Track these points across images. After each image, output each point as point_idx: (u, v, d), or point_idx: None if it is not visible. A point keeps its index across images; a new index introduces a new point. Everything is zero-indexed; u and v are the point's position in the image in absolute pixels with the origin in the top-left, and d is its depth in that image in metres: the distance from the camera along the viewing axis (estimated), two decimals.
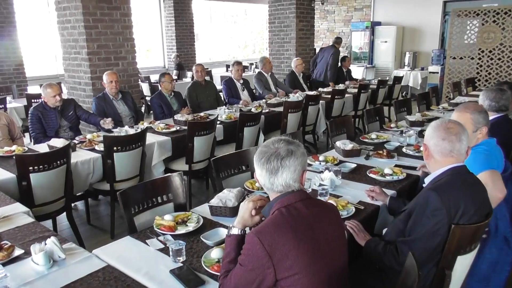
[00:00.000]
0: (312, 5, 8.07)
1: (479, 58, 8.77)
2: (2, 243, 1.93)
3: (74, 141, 3.83)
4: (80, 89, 5.21)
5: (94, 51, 4.97)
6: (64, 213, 3.37)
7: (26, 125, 6.02)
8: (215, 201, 2.31)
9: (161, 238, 2.04)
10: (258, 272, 1.38)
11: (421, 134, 3.85)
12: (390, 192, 2.53)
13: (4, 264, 1.80)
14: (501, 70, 8.56)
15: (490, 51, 8.59)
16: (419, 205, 1.79)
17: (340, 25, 11.97)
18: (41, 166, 2.97)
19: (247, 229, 1.66)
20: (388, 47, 10.78)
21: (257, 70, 10.96)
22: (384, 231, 2.17)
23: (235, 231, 1.62)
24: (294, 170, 1.49)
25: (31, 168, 2.93)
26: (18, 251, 1.90)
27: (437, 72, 10.14)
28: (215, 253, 1.82)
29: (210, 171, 4.37)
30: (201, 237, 2.00)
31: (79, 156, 3.47)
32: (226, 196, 2.33)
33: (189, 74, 9.46)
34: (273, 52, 8.23)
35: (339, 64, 8.00)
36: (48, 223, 3.64)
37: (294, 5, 7.64)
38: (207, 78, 6.78)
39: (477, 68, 8.84)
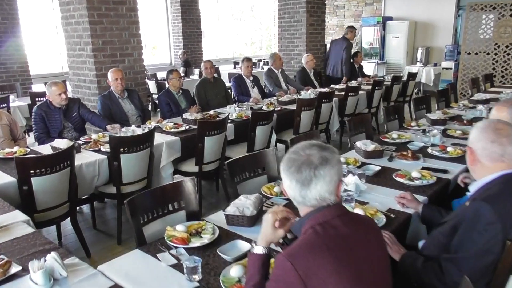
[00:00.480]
0: None
1: (495, 54, 8.48)
2: None
3: (79, 142, 3.64)
4: (85, 87, 5.03)
5: (99, 47, 4.78)
6: (69, 218, 3.19)
7: (30, 125, 5.86)
8: (231, 209, 2.10)
9: (173, 251, 1.84)
10: None
11: (445, 133, 3.63)
12: (421, 198, 2.31)
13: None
14: None
15: (507, 46, 8.29)
16: (468, 219, 1.56)
17: (350, 21, 11.68)
18: (43, 170, 2.78)
19: (272, 246, 1.46)
20: (399, 43, 10.50)
21: (265, 67, 10.77)
22: (421, 243, 1.96)
23: (259, 249, 1.42)
24: (330, 180, 1.27)
25: (32, 171, 2.74)
26: (15, 268, 1.70)
27: (451, 68, 9.85)
28: (235, 271, 1.61)
29: (221, 173, 4.17)
30: (218, 251, 1.80)
31: (83, 158, 3.29)
32: (243, 204, 2.13)
33: (196, 71, 9.26)
34: (282, 48, 8.00)
35: (351, 59, 7.74)
36: (52, 228, 3.48)
37: None
38: (215, 75, 6.57)
39: (493, 64, 8.55)
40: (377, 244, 1.33)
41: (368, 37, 10.98)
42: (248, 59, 5.92)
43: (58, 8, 5.00)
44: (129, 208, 1.97)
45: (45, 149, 3.51)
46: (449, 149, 3.11)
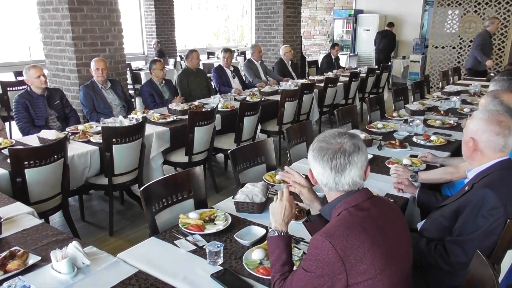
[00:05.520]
0: None
1: (460, 48, 8.91)
2: (14, 249, 1.73)
3: (66, 132, 3.57)
4: (64, 77, 4.88)
5: (80, 35, 4.65)
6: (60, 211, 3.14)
7: (1, 115, 5.64)
8: (241, 196, 2.16)
9: (190, 238, 1.88)
10: (327, 279, 1.26)
11: (425, 123, 3.82)
12: (415, 183, 2.46)
13: (20, 274, 1.60)
14: None
15: (471, 41, 8.71)
16: (472, 204, 1.69)
17: (322, 13, 11.87)
18: (37, 161, 2.73)
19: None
20: (370, 36, 10.78)
21: (239, 58, 10.79)
22: (419, 225, 2.10)
23: (280, 232, 1.52)
24: (361, 166, 1.38)
25: (26, 163, 2.68)
26: (33, 259, 1.69)
27: (418, 61, 10.24)
28: (257, 254, 1.68)
29: (210, 163, 4.21)
30: (235, 237, 1.86)
31: (74, 149, 3.23)
32: (252, 191, 2.19)
33: (171, 61, 9.15)
34: (259, 40, 8.03)
35: (329, 51, 7.95)
36: None
37: None
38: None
39: (458, 57, 8.97)
40: (400, 223, 1.44)
41: (340, 29, 11.20)
42: (228, 50, 5.93)
43: None
44: (144, 196, 1.99)
45: (31, 141, 3.42)
46: (433, 138, 3.30)
